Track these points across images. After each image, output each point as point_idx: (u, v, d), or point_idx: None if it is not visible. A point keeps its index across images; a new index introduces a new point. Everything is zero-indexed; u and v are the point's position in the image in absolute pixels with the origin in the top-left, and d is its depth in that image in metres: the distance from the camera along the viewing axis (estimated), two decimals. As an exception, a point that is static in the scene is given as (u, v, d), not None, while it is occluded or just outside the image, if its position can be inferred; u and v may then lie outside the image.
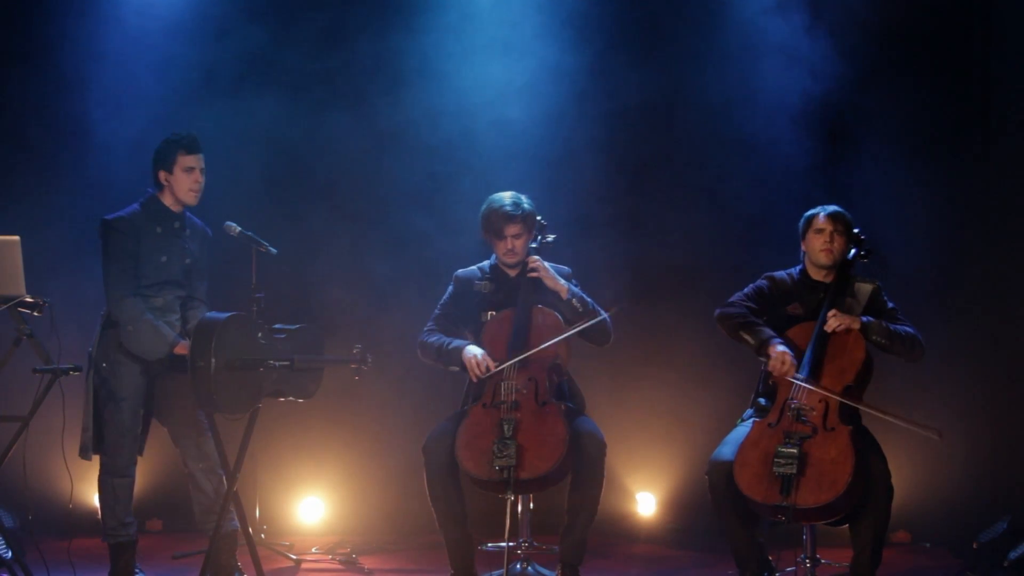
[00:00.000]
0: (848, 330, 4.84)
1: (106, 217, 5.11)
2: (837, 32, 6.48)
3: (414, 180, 6.67)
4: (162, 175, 5.13)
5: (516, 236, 5.15)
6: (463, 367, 5.05)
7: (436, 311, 5.28)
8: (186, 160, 5.10)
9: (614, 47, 6.62)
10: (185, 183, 5.12)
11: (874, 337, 4.86)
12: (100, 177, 6.43)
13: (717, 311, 5.03)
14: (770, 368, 4.82)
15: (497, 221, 5.14)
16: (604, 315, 5.15)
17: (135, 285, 5.05)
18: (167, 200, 5.15)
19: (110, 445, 5.04)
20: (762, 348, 4.85)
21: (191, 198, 5.15)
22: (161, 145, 5.15)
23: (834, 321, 4.85)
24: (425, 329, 5.23)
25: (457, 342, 5.11)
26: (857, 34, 6.48)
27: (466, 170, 6.51)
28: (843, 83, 6.51)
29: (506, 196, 5.18)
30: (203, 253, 5.30)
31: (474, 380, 5.04)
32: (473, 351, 5.03)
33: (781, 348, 4.81)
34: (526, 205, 5.16)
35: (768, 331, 4.89)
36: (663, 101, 6.64)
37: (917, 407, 6.11)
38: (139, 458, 5.14)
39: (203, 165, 5.15)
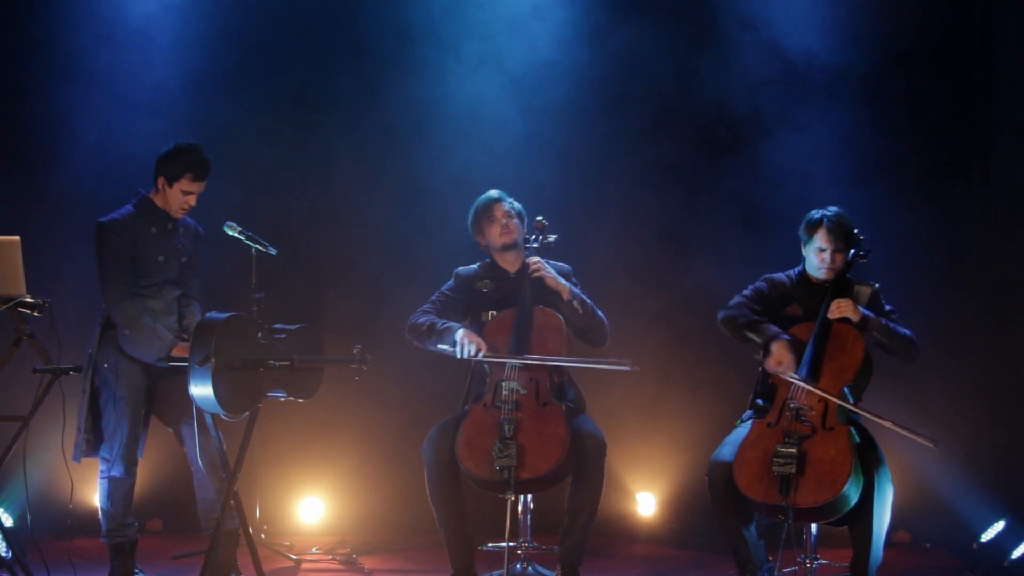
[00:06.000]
0: (848, 323, 4.83)
1: (100, 219, 5.09)
2: (838, 27, 6.50)
3: (415, 179, 6.67)
4: (161, 181, 5.11)
5: (507, 216, 5.22)
6: (453, 345, 5.01)
7: (434, 297, 5.29)
8: (190, 185, 5.09)
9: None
10: (178, 201, 5.11)
11: (874, 332, 4.85)
12: (102, 177, 6.42)
13: (720, 313, 5.01)
14: (767, 365, 4.82)
15: (487, 206, 5.25)
16: (602, 315, 5.18)
17: (133, 286, 5.05)
18: (159, 201, 5.14)
19: (111, 446, 5.04)
20: (767, 346, 4.84)
21: (179, 214, 5.16)
22: (173, 151, 5.10)
23: (836, 308, 4.84)
24: (418, 311, 5.23)
25: (452, 323, 5.12)
26: (861, 29, 6.50)
27: (469, 168, 6.50)
28: (840, 81, 6.53)
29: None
30: (197, 250, 5.30)
31: (458, 356, 5.00)
32: (469, 332, 5.03)
33: (782, 347, 4.81)
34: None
35: (773, 328, 4.87)
36: (673, 101, 6.66)
37: (917, 407, 6.12)
38: (138, 458, 5.15)
39: (203, 190, 5.14)
